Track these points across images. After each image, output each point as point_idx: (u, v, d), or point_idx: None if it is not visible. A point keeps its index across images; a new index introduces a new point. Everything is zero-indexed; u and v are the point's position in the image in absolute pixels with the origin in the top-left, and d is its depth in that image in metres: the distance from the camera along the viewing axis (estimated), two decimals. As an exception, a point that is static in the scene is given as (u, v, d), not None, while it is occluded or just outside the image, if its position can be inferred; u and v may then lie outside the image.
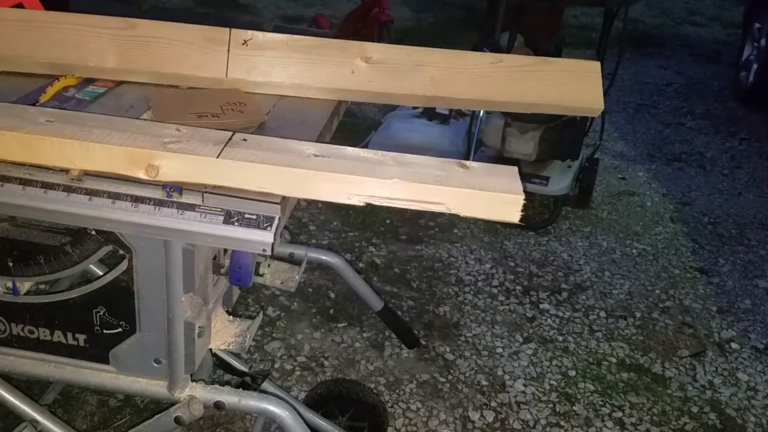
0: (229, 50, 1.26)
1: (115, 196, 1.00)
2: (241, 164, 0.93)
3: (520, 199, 0.91)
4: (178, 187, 0.98)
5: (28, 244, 1.12)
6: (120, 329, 1.14)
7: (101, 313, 1.13)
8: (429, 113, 3.57)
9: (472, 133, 3.12)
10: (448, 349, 2.37)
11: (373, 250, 2.91)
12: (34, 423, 1.19)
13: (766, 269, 3.00)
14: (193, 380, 1.18)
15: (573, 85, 1.29)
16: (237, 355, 1.66)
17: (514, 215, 0.92)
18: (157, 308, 1.10)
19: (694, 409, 2.20)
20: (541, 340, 2.45)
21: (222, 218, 0.99)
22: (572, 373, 2.31)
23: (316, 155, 0.97)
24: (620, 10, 3.09)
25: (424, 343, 2.38)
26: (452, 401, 2.15)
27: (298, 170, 0.93)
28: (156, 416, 1.18)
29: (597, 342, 2.47)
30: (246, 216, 0.98)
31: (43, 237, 1.11)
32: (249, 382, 1.53)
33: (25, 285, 1.20)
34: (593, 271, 2.89)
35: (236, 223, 0.98)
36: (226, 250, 1.14)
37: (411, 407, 2.12)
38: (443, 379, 2.23)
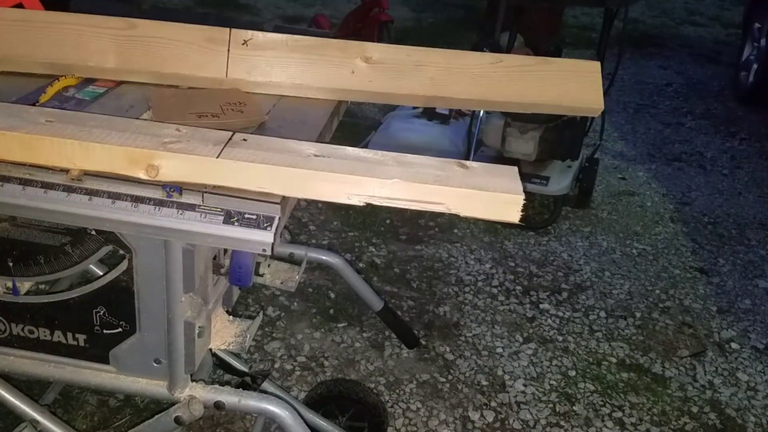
0: (229, 50, 1.26)
1: (115, 196, 1.00)
2: (241, 164, 0.93)
3: (520, 199, 0.91)
4: (178, 187, 0.98)
5: (28, 244, 1.12)
6: (120, 329, 1.14)
7: (101, 313, 1.13)
8: (429, 113, 3.57)
9: (472, 133, 3.12)
10: (448, 349, 2.37)
11: (373, 250, 2.91)
12: (34, 423, 1.19)
13: (766, 269, 3.00)
14: (193, 380, 1.17)
15: (573, 85, 1.29)
16: (237, 355, 1.66)
17: (514, 215, 0.92)
18: (157, 308, 1.10)
19: (694, 409, 2.20)
20: (541, 340, 2.45)
21: (222, 218, 0.99)
22: (572, 373, 2.31)
23: (316, 155, 0.97)
24: (620, 10, 3.09)
25: (424, 343, 2.38)
26: (452, 401, 2.15)
27: (298, 170, 0.93)
28: (156, 416, 1.18)
29: (597, 342, 2.47)
30: (246, 216, 0.98)
31: (43, 237, 1.11)
32: (249, 382, 1.53)
33: (25, 285, 1.20)
34: (593, 271, 2.89)
35: (236, 223, 0.98)
36: (226, 250, 1.14)
37: (411, 407, 2.12)
38: (443, 379, 2.23)
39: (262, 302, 2.51)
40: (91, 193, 1.00)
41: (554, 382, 2.26)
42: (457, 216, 0.93)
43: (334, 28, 4.71)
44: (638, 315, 2.63)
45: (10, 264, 1.13)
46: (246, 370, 1.64)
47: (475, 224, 3.13)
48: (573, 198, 3.35)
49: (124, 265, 1.09)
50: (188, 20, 1.28)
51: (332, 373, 2.22)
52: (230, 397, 1.16)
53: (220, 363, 1.63)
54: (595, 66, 1.31)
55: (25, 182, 1.01)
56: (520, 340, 2.45)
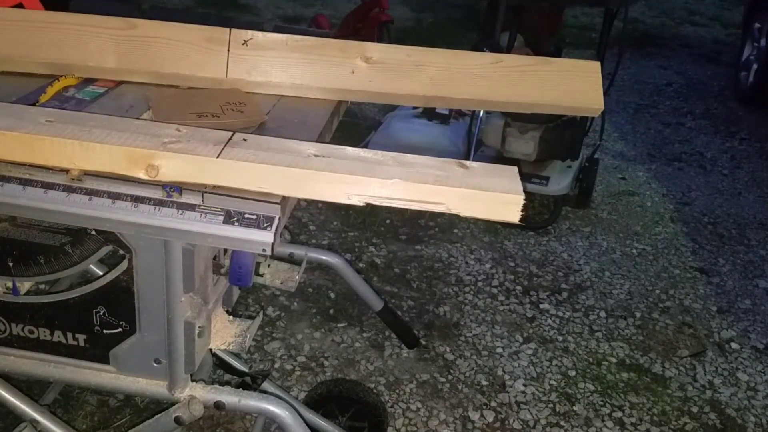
0: (229, 50, 1.26)
1: (115, 196, 1.00)
2: (241, 164, 0.93)
3: (520, 199, 0.91)
4: (178, 187, 0.98)
5: (28, 244, 1.12)
6: (120, 329, 1.14)
7: (101, 313, 1.13)
8: (429, 113, 3.57)
9: (472, 133, 3.11)
10: (448, 349, 2.37)
11: (373, 250, 2.91)
12: (34, 423, 1.19)
13: (766, 269, 3.00)
14: (193, 380, 1.17)
15: (573, 85, 1.29)
16: (237, 355, 1.66)
17: (514, 215, 0.92)
18: (157, 308, 1.10)
19: (694, 409, 2.20)
20: (541, 340, 2.45)
21: (222, 218, 0.99)
22: (572, 373, 2.31)
23: (316, 155, 0.97)
24: (620, 10, 3.09)
25: (424, 343, 2.38)
26: (452, 401, 2.15)
27: (298, 170, 0.93)
28: (156, 416, 1.18)
29: (597, 342, 2.47)
30: (246, 216, 0.98)
31: (43, 237, 1.11)
32: (249, 382, 1.53)
33: (25, 285, 1.20)
34: (593, 271, 2.89)
35: (236, 223, 0.98)
36: (226, 250, 1.14)
37: (411, 407, 2.12)
38: (443, 379, 2.23)
39: (262, 302, 2.51)
40: (91, 193, 1.00)
41: (554, 382, 2.26)
42: (457, 216, 0.93)
43: (334, 28, 4.71)
44: (638, 315, 2.63)
45: (10, 264, 1.13)
46: (246, 370, 1.64)
47: (475, 224, 3.13)
48: (573, 198, 3.35)
49: (124, 265, 1.09)
50: (188, 20, 1.28)
51: (332, 373, 2.22)
52: (230, 397, 1.16)
53: (220, 363, 1.63)
54: (595, 66, 1.31)
55: (25, 182, 1.01)
56: (520, 340, 2.44)
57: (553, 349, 2.41)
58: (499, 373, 2.28)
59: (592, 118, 3.18)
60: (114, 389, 1.22)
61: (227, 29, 1.27)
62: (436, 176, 0.93)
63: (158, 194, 0.99)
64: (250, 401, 1.16)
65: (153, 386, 1.17)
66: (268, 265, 1.51)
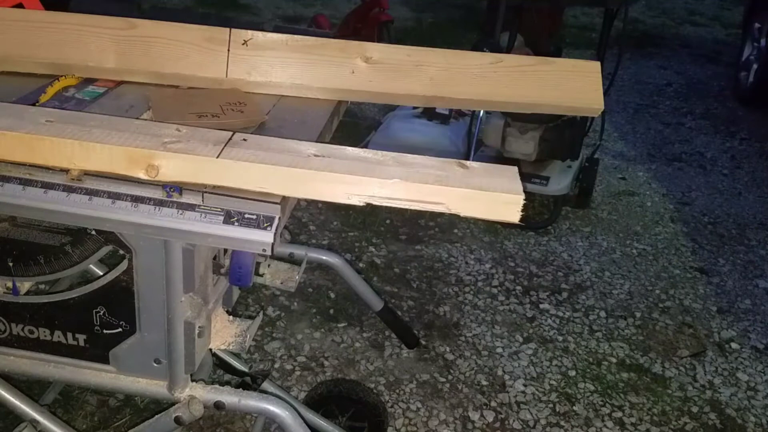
0: (229, 50, 1.26)
1: (115, 196, 1.00)
2: (241, 164, 0.93)
3: (520, 199, 0.91)
4: (178, 187, 0.98)
5: (28, 244, 1.12)
6: (120, 329, 1.14)
7: (101, 313, 1.13)
8: (429, 113, 3.57)
9: (472, 133, 3.12)
10: (448, 349, 2.37)
11: (373, 250, 2.91)
12: (34, 423, 1.19)
13: (766, 269, 3.00)
14: (193, 380, 1.17)
15: (573, 85, 1.29)
16: (237, 355, 1.66)
17: (514, 215, 0.92)
18: (157, 308, 1.10)
19: (694, 409, 2.20)
20: (541, 340, 2.45)
21: (222, 218, 0.99)
22: (572, 373, 2.31)
23: (316, 155, 0.97)
24: (620, 10, 3.09)
25: (424, 343, 2.38)
26: (452, 401, 2.15)
27: (298, 170, 0.93)
28: (156, 416, 1.18)
29: (597, 342, 2.47)
30: (246, 216, 0.98)
31: (43, 237, 1.11)
32: (249, 382, 1.53)
33: (25, 285, 1.20)
34: (593, 271, 2.89)
35: (236, 223, 0.98)
36: (226, 250, 1.14)
37: (411, 407, 2.12)
38: (443, 379, 2.23)
39: (262, 302, 2.51)
40: (91, 193, 1.00)
41: (554, 382, 2.26)
42: (457, 216, 0.93)
43: (334, 28, 4.71)
44: (638, 315, 2.63)
45: (10, 264, 1.13)
46: (246, 370, 1.64)
47: (475, 224, 3.13)
48: (573, 198, 3.35)
49: (124, 265, 1.09)
50: (188, 20, 1.28)
51: (332, 373, 2.22)
52: (230, 397, 1.16)
53: (220, 363, 1.63)
54: (595, 66, 1.31)
55: (25, 182, 1.01)
56: (520, 340, 2.44)
57: (553, 349, 2.41)
58: (499, 373, 2.28)
59: (592, 118, 3.18)
60: (114, 389, 1.22)
61: (227, 29, 1.27)
62: (436, 176, 0.93)
63: (158, 194, 0.99)
64: (250, 401, 1.16)
65: (153, 386, 1.17)
66: (268, 265, 1.51)
